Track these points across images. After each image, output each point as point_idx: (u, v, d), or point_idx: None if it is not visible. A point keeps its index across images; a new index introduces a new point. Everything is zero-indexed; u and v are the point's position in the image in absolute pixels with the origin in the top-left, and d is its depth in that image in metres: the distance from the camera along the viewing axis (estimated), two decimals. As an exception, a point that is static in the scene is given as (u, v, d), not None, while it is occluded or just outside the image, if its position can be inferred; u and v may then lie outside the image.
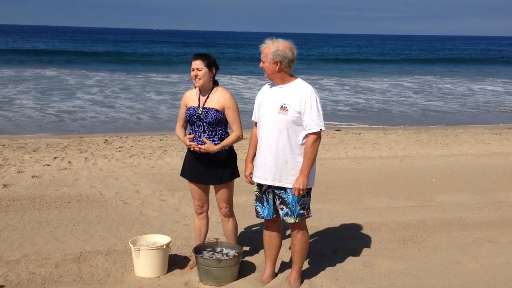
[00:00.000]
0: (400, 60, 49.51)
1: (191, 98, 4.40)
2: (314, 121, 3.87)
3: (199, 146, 4.22)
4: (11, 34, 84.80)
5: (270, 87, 4.10)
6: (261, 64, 4.01)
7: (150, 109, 16.60)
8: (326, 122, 4.01)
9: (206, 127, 4.28)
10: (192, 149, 4.28)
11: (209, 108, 4.28)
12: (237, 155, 4.53)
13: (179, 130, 4.48)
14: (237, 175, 4.46)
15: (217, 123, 4.28)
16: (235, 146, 4.53)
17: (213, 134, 4.29)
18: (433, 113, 17.77)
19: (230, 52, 52.27)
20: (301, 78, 4.04)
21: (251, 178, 4.18)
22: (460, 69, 39.70)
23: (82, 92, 20.04)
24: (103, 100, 18.17)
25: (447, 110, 18.55)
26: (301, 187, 3.91)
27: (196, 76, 4.25)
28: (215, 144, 4.25)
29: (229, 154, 4.40)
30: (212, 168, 4.34)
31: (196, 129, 4.33)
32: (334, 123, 14.84)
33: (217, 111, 4.27)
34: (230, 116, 4.30)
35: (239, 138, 4.33)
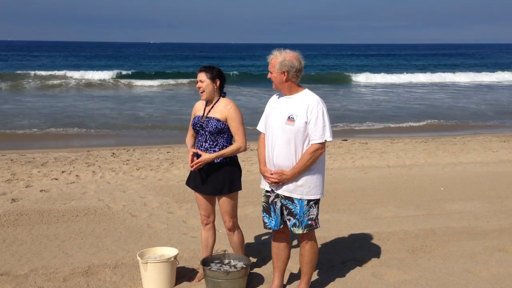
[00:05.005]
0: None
1: (199, 107, 4.47)
2: (319, 132, 3.87)
3: (197, 160, 4.25)
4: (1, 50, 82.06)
5: (278, 98, 4.11)
6: (269, 75, 4.02)
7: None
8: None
9: (207, 137, 4.31)
10: (191, 168, 4.30)
11: (210, 117, 4.31)
12: (243, 168, 4.51)
13: (188, 139, 4.52)
14: (237, 187, 4.39)
15: (217, 133, 4.28)
16: (241, 159, 4.51)
17: (214, 144, 4.30)
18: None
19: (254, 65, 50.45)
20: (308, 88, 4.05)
21: (269, 177, 4.03)
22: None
23: (147, 103, 20.80)
24: (176, 109, 19.12)
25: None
26: (279, 179, 3.91)
27: (199, 88, 4.34)
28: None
29: (231, 166, 4.36)
30: (212, 178, 4.34)
31: (199, 138, 4.38)
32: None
33: (218, 120, 4.28)
34: (233, 127, 4.30)
35: (239, 150, 4.30)
